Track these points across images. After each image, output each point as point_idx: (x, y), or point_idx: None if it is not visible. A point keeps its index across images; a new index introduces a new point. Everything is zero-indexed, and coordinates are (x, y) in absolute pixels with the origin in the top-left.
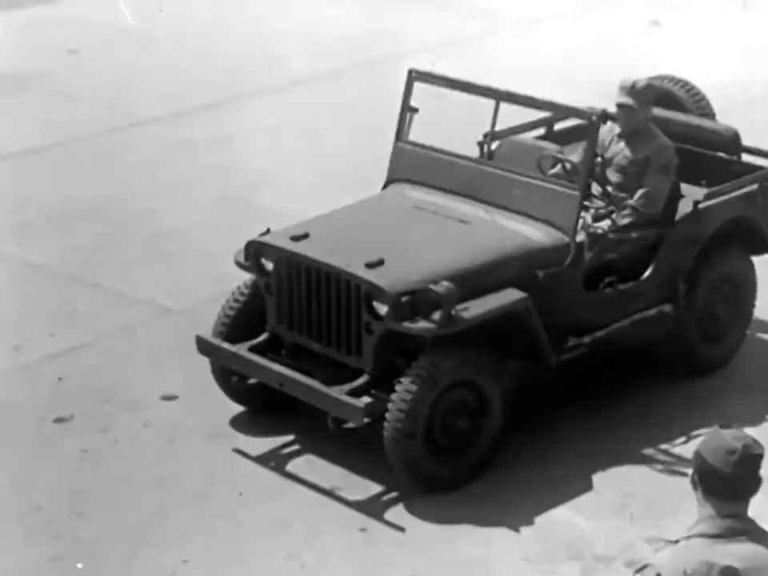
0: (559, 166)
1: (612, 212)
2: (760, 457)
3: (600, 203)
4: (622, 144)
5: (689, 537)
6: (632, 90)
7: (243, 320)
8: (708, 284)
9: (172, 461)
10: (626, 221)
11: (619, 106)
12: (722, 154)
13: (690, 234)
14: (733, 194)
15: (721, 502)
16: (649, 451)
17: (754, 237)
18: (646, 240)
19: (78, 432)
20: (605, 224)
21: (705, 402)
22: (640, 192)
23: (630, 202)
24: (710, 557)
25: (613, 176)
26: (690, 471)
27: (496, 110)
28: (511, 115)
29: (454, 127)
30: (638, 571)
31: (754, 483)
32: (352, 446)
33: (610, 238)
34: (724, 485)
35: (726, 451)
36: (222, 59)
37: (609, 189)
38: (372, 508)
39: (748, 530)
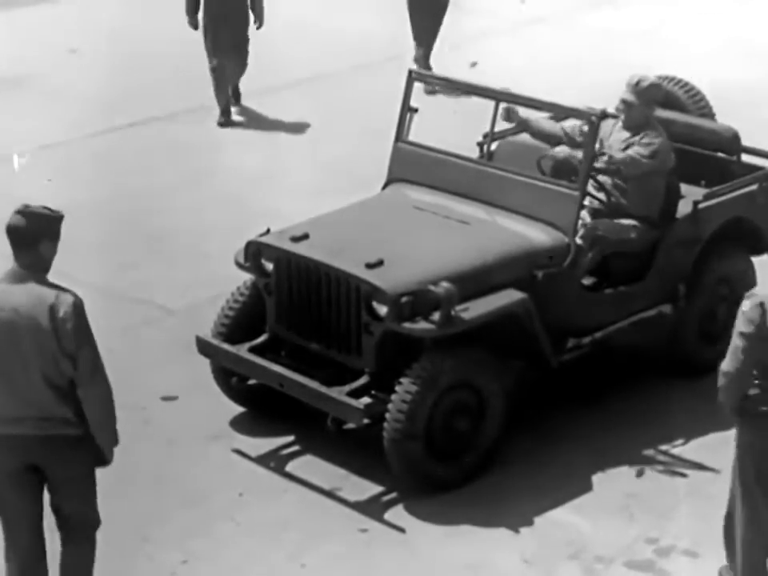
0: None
1: (608, 212)
2: None
3: (596, 201)
4: (626, 134)
5: None
6: (635, 87)
7: (243, 320)
8: (707, 284)
9: (172, 461)
10: (599, 165)
11: (622, 101)
12: (721, 155)
13: (689, 235)
14: (732, 195)
15: None
16: (649, 451)
17: (753, 237)
18: (645, 240)
19: None
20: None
21: (704, 403)
22: (623, 154)
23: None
24: None
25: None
26: (689, 472)
27: (496, 110)
28: None
29: (453, 127)
30: (747, 298)
31: None
32: (352, 447)
33: (610, 239)
34: None
35: None
36: None
37: (603, 178)
38: (372, 508)
39: None
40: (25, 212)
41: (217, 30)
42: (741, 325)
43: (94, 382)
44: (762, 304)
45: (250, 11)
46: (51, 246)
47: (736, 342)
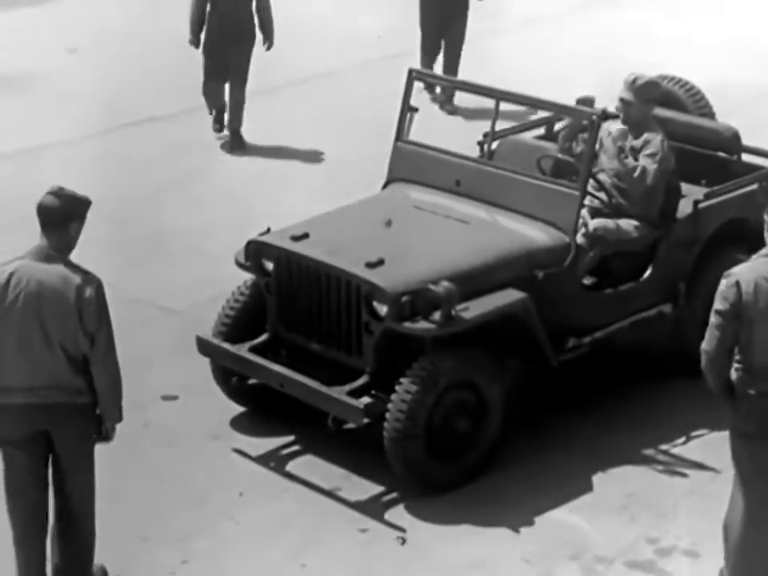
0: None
1: (609, 212)
2: None
3: (596, 201)
4: (628, 135)
5: (759, 257)
6: (632, 85)
7: (243, 320)
8: (708, 284)
9: (172, 461)
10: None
11: (620, 99)
12: (721, 154)
13: (690, 234)
14: (733, 194)
15: None
16: (649, 451)
17: (753, 237)
18: (646, 240)
19: None
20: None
21: (705, 402)
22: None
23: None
24: None
25: (608, 163)
26: (689, 471)
27: (496, 109)
28: (511, 114)
29: (454, 127)
30: (724, 277)
31: None
32: (352, 446)
33: (610, 239)
34: None
35: None
36: None
37: (603, 177)
38: (372, 508)
39: None
40: (59, 193)
41: (218, 52)
42: (716, 303)
43: (107, 360)
44: (737, 283)
45: (258, 30)
46: (79, 228)
47: (712, 320)
